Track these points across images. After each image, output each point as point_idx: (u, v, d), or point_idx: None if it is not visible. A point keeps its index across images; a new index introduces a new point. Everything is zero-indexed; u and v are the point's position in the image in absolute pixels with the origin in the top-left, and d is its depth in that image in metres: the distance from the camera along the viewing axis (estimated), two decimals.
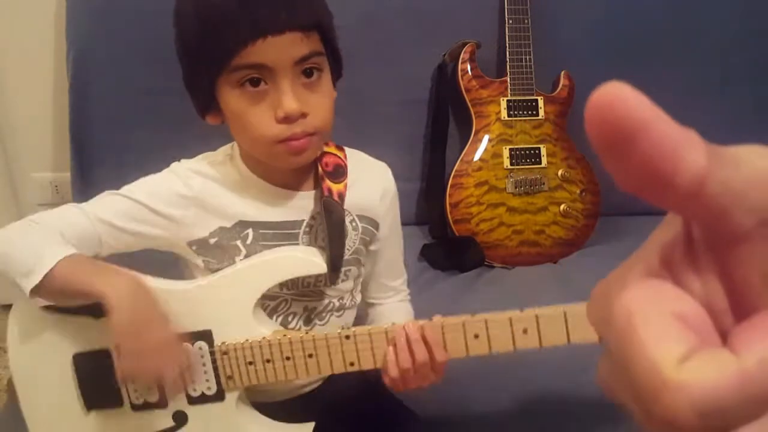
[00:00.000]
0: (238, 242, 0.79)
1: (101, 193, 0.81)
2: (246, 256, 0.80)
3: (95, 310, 0.76)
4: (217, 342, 0.79)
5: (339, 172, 0.83)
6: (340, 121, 1.42)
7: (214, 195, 0.79)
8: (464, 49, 1.37)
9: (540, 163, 1.37)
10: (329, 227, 0.80)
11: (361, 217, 0.86)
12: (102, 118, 1.36)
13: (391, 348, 0.76)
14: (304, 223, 0.82)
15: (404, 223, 1.51)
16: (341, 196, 0.82)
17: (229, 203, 0.79)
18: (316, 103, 0.73)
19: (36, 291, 0.69)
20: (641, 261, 0.22)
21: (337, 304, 0.87)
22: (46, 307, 0.78)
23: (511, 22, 1.35)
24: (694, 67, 1.51)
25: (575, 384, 1.03)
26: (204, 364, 0.79)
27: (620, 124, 0.18)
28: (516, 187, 1.36)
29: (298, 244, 0.82)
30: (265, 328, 0.79)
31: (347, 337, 0.77)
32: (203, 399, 0.80)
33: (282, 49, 0.69)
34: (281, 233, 0.81)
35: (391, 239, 0.93)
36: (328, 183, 0.81)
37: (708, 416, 0.17)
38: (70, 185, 1.42)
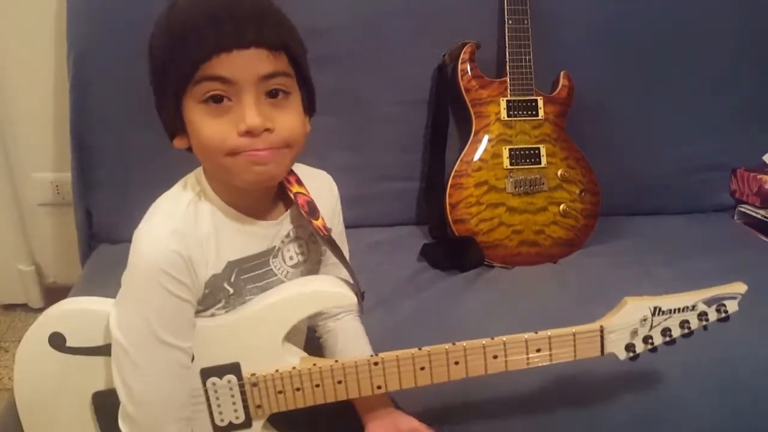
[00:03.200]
0: (225, 283, 0.79)
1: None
2: (232, 295, 0.79)
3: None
4: (245, 374, 0.79)
5: (313, 208, 0.83)
6: (340, 121, 1.44)
7: (199, 247, 0.76)
8: (464, 49, 1.37)
9: (539, 163, 1.37)
10: (343, 262, 0.84)
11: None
12: (102, 119, 1.36)
13: None
14: (275, 249, 0.83)
15: (404, 223, 1.53)
16: (327, 229, 0.85)
17: (215, 248, 0.77)
18: (283, 120, 0.72)
19: None
20: None
21: None
22: (57, 347, 0.78)
23: (510, 22, 1.36)
24: (694, 67, 1.52)
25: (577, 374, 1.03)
26: (233, 396, 0.80)
27: None
28: (515, 187, 1.36)
29: (271, 269, 0.83)
30: (293, 357, 0.81)
31: (376, 363, 0.80)
32: (230, 427, 0.81)
33: (247, 63, 0.69)
34: (258, 263, 0.82)
35: (341, 244, 0.93)
36: (314, 223, 0.82)
37: None
38: (70, 185, 1.42)
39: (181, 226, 0.74)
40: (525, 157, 1.37)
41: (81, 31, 1.34)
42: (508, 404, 1.04)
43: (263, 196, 0.81)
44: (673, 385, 1.05)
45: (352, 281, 0.85)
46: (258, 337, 0.79)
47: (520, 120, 1.38)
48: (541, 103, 1.38)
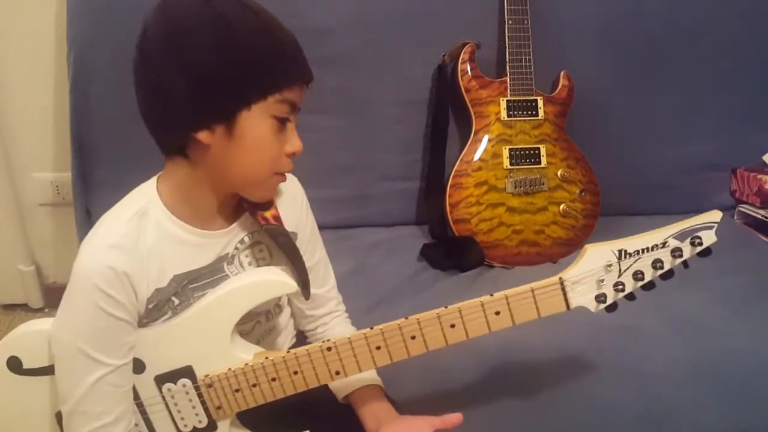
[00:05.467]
0: (173, 296, 0.78)
1: (104, 203, 0.80)
2: (179, 305, 0.78)
3: None
4: (199, 376, 0.78)
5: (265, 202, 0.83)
6: (340, 121, 1.44)
7: (140, 263, 0.75)
8: (464, 49, 1.37)
9: (539, 163, 1.37)
10: (284, 249, 0.82)
11: (291, 233, 0.87)
12: (102, 118, 1.36)
13: None
14: (228, 256, 0.82)
15: (404, 223, 1.53)
16: (277, 218, 0.83)
17: (159, 263, 0.76)
18: None
19: None
20: None
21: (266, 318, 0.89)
22: (15, 370, 0.79)
23: (511, 22, 1.36)
24: (694, 68, 1.52)
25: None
26: (191, 400, 0.79)
27: None
28: (515, 187, 1.36)
29: (226, 275, 0.81)
30: (245, 353, 0.79)
31: (329, 348, 0.77)
32: None
33: (302, 94, 0.77)
34: (209, 272, 0.81)
35: (313, 243, 0.93)
36: (260, 214, 0.81)
37: None
38: (70, 185, 1.42)
39: (121, 240, 0.74)
40: (525, 157, 1.37)
41: (81, 31, 1.34)
42: (508, 406, 1.04)
43: (225, 205, 0.81)
44: (674, 386, 1.05)
45: (307, 278, 0.83)
46: (206, 336, 0.78)
47: (520, 120, 1.38)
48: (541, 103, 1.38)
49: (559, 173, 1.38)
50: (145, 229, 0.76)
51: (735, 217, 1.59)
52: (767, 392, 1.05)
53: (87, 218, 1.43)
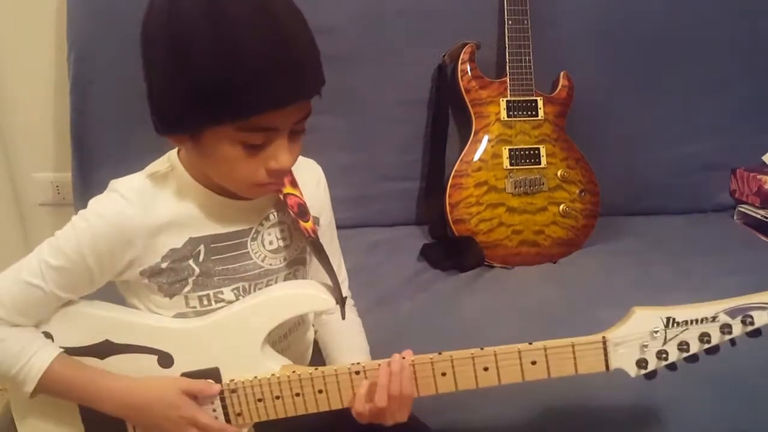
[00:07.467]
0: (191, 261, 0.78)
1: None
2: (199, 275, 0.78)
3: (99, 351, 0.77)
4: (224, 379, 0.78)
5: (303, 210, 0.82)
6: (340, 121, 1.44)
7: (158, 216, 0.75)
8: (464, 49, 1.37)
9: (539, 164, 1.37)
10: (324, 264, 0.82)
11: (314, 218, 0.87)
12: (102, 119, 1.37)
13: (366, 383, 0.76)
14: (252, 231, 0.81)
15: (404, 223, 1.53)
16: (303, 206, 0.82)
17: (177, 220, 0.76)
18: (295, 152, 0.74)
19: (34, 394, 0.76)
20: None
21: None
22: None
23: (510, 22, 1.36)
24: (694, 68, 1.52)
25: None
26: (212, 402, 0.78)
27: None
28: (515, 188, 1.36)
29: (247, 252, 0.81)
30: (273, 363, 0.79)
31: (357, 372, 0.77)
32: None
33: (291, 113, 0.70)
34: (231, 244, 0.80)
35: (329, 232, 0.93)
36: (302, 225, 0.80)
37: None
38: (70, 185, 1.43)
39: (132, 194, 0.75)
40: (525, 157, 1.37)
41: (81, 31, 1.34)
42: (507, 406, 1.04)
43: None
44: (673, 386, 1.05)
45: (332, 285, 0.82)
46: (237, 341, 0.78)
47: (520, 120, 1.38)
48: (540, 103, 1.38)
49: (558, 173, 1.38)
50: (163, 189, 0.77)
51: (735, 217, 1.59)
52: (767, 392, 1.05)
53: None
